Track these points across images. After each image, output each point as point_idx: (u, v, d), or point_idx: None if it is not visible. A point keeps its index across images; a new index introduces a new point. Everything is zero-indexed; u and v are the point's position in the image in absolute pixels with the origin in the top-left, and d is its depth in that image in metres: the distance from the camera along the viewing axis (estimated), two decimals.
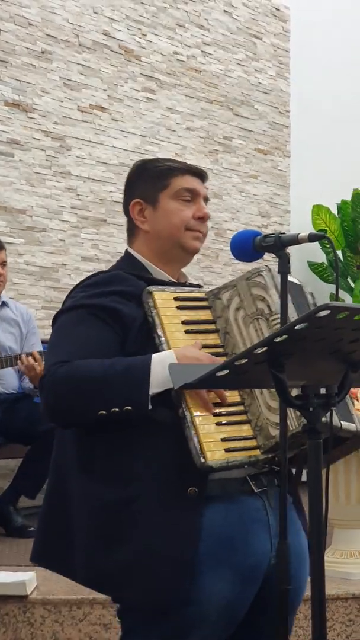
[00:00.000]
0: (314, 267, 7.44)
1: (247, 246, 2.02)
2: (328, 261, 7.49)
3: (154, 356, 1.95)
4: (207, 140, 7.01)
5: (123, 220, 6.97)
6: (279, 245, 1.98)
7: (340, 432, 2.01)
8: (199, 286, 2.26)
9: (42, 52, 5.91)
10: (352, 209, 7.46)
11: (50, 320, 6.11)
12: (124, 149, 6.40)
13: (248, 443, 1.96)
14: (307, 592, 1.73)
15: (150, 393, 1.92)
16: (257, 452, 1.95)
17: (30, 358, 4.47)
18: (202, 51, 7.01)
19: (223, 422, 1.94)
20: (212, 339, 2.05)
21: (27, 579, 3.31)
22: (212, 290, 2.13)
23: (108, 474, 1.98)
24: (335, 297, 2.00)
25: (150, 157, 2.49)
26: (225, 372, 1.55)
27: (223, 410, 1.96)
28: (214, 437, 1.91)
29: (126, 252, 2.26)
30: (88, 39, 6.19)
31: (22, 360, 4.48)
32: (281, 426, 1.84)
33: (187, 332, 2.04)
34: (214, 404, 1.95)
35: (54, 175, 5.95)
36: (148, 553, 1.90)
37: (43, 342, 4.98)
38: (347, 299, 7.47)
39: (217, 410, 1.95)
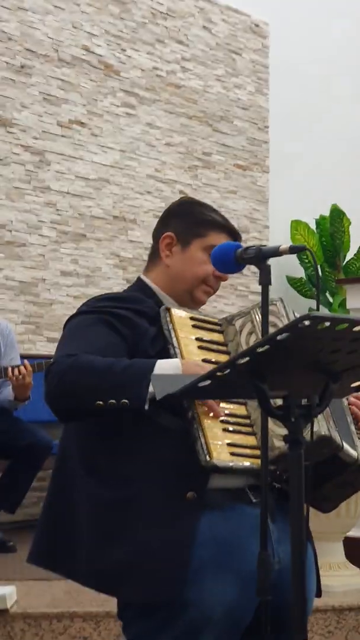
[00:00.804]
0: (293, 282, 7.47)
1: (228, 258, 2.04)
2: (307, 276, 7.52)
3: (159, 360, 2.00)
4: (187, 155, 7.04)
5: (102, 235, 6.95)
6: (260, 257, 1.99)
7: (340, 453, 2.03)
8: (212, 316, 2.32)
9: (22, 67, 5.92)
10: (330, 224, 7.50)
11: (29, 335, 6.07)
12: (104, 164, 6.41)
13: (253, 452, 1.99)
14: None
15: (151, 391, 1.94)
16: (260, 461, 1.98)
17: (22, 368, 4.48)
18: (181, 67, 7.04)
19: (230, 429, 1.99)
20: (223, 359, 2.09)
21: (6, 592, 3.30)
22: (225, 318, 2.20)
23: (110, 475, 2.02)
24: (317, 306, 2.01)
25: (192, 198, 2.61)
26: (208, 382, 1.56)
27: (231, 419, 2.00)
28: (221, 440, 1.95)
29: (140, 279, 2.33)
30: (68, 54, 6.21)
31: (8, 372, 4.48)
32: (262, 435, 1.84)
33: (200, 347, 2.10)
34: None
35: (34, 190, 5.95)
36: (145, 553, 1.93)
37: (22, 356, 4.97)
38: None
39: (224, 418, 1.99)
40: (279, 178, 7.69)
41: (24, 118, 5.90)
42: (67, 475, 2.12)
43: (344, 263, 7.59)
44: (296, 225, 7.51)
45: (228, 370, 1.54)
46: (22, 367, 4.50)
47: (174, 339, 2.07)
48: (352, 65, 8.14)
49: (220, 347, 2.13)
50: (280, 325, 2.03)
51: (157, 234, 2.34)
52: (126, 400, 1.94)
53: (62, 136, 6.14)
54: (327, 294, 7.56)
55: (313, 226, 7.59)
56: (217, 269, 2.11)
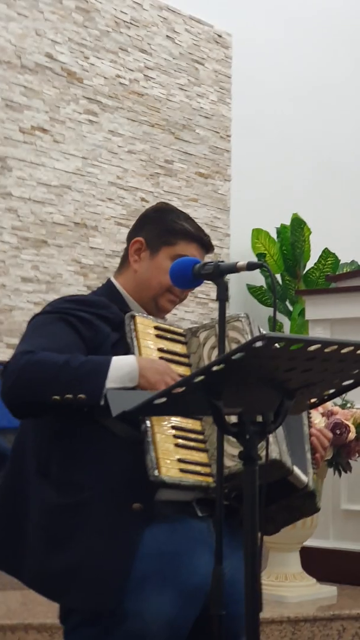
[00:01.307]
0: (252, 290, 7.50)
1: (186, 274, 2.06)
2: (267, 285, 7.57)
3: (115, 356, 2.02)
4: (149, 163, 7.05)
5: (64, 242, 6.94)
6: (218, 273, 2.01)
7: (290, 477, 2.05)
8: (177, 325, 2.31)
9: None
10: (291, 233, 7.55)
11: None
12: (65, 171, 6.40)
13: (203, 469, 2.01)
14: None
15: (107, 386, 1.96)
16: (210, 479, 2.00)
17: None
18: (144, 75, 7.05)
19: (182, 444, 2.00)
20: (183, 371, 2.10)
21: None
22: (190, 328, 2.20)
23: (61, 480, 2.04)
24: (272, 321, 2.03)
25: (164, 203, 2.57)
26: (164, 399, 1.57)
27: (184, 434, 2.02)
28: (171, 456, 1.97)
29: (109, 282, 2.33)
30: (31, 61, 6.20)
31: None
32: (219, 451, 1.86)
33: (161, 358, 2.10)
34: (176, 428, 2.01)
35: None
36: (88, 561, 1.96)
37: None
38: (285, 323, 7.55)
39: (178, 434, 2.00)
40: (240, 187, 7.73)
41: None
42: (20, 475, 2.13)
43: (304, 272, 7.64)
44: (257, 233, 7.55)
45: (184, 388, 1.55)
46: None
47: (136, 348, 2.07)
48: (313, 75, 8.22)
49: (182, 359, 2.14)
50: (243, 341, 2.05)
51: (129, 238, 2.34)
52: (82, 395, 1.96)
53: (24, 142, 6.13)
54: (287, 303, 7.60)
55: (274, 235, 7.64)
56: (175, 285, 2.12)
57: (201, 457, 2.03)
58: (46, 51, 6.31)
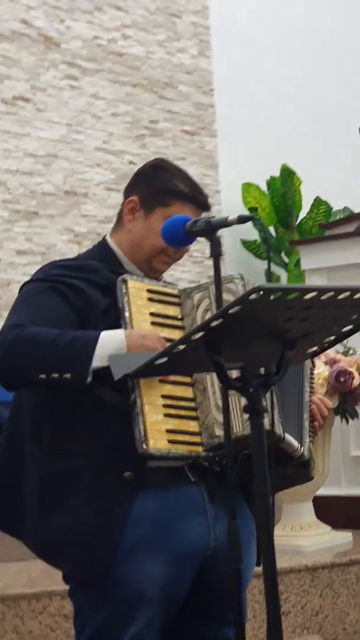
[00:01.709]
0: (247, 245, 7.47)
1: (178, 232, 2.04)
2: (261, 238, 7.54)
3: (104, 332, 2.00)
4: (133, 125, 7.00)
5: (55, 211, 6.88)
6: (209, 229, 1.99)
7: (283, 444, 2.04)
8: (173, 284, 2.30)
9: None
10: (282, 184, 7.51)
11: None
12: (51, 140, 6.35)
13: (192, 438, 2.00)
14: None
15: (93, 366, 1.96)
16: (199, 448, 2.00)
17: None
18: (122, 34, 6.97)
19: (172, 414, 1.98)
20: (176, 335, 2.07)
21: None
22: (185, 289, 2.17)
23: (52, 447, 2.06)
24: (267, 273, 2.02)
25: (160, 158, 2.50)
26: (165, 359, 1.57)
27: (174, 403, 2.00)
28: (160, 427, 1.95)
29: (104, 240, 2.29)
30: (6, 29, 6.13)
31: None
32: (224, 411, 1.85)
33: (153, 323, 2.08)
34: (165, 397, 1.99)
35: None
36: (78, 527, 1.98)
37: None
38: (282, 275, 7.53)
39: (167, 403, 1.99)
40: (227, 141, 7.66)
41: None
42: (17, 438, 2.14)
43: (297, 222, 7.61)
44: (247, 188, 7.50)
45: (184, 346, 1.55)
46: None
47: (126, 313, 2.05)
48: (296, 21, 8.11)
49: (175, 322, 2.12)
50: None
51: (125, 195, 2.29)
52: (68, 375, 1.96)
53: (7, 113, 6.08)
54: (283, 255, 7.58)
55: (264, 188, 7.59)
56: (167, 243, 2.10)
57: (191, 426, 2.02)
58: (21, 17, 6.23)
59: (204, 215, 2.22)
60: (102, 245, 2.29)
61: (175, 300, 2.15)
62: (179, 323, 2.12)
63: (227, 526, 1.82)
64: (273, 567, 1.67)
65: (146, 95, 7.12)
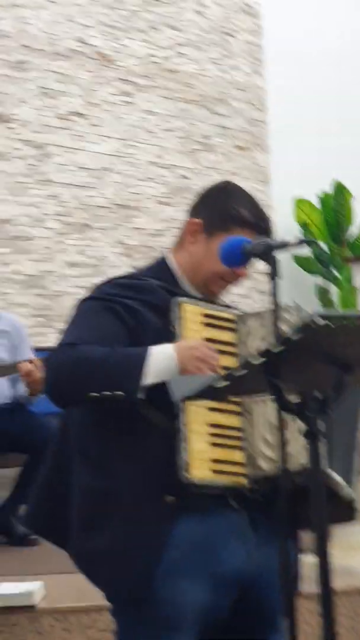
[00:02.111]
0: (298, 260, 7.48)
1: (236, 253, 2.06)
2: (313, 254, 7.54)
3: (153, 347, 2.01)
4: (186, 140, 7.04)
5: (107, 224, 6.90)
6: (268, 251, 2.01)
7: (327, 481, 2.02)
8: (232, 307, 2.28)
9: (18, 63, 5.92)
10: (334, 200, 7.51)
11: (40, 328, 6.11)
12: (104, 154, 6.42)
13: (236, 469, 2.00)
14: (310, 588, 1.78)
15: (145, 383, 1.98)
16: (243, 480, 2.00)
17: (29, 364, 4.50)
18: (176, 52, 7.03)
19: (217, 443, 1.98)
20: (230, 362, 2.06)
21: (34, 588, 3.33)
22: (242, 315, 2.15)
23: (98, 464, 2.07)
24: (321, 291, 2.03)
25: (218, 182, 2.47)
26: (225, 383, 1.60)
27: (220, 432, 2.00)
28: (204, 456, 1.95)
29: (163, 258, 2.29)
30: (63, 47, 6.21)
31: (21, 367, 4.51)
32: (280, 432, 1.87)
33: None
34: (212, 425, 1.99)
35: (36, 184, 5.97)
36: (118, 546, 1.99)
37: (36, 349, 5.00)
38: (332, 290, 7.52)
39: (214, 431, 1.98)
40: (279, 157, 7.69)
41: (23, 113, 5.91)
42: (65, 456, 2.16)
43: (350, 239, 7.59)
44: (299, 203, 7.53)
45: (245, 372, 1.57)
46: (28, 364, 4.50)
47: (179, 338, 2.05)
48: (347, 36, 8.12)
49: (228, 348, 2.09)
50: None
51: (188, 215, 2.30)
52: (120, 392, 1.98)
53: (62, 128, 6.16)
54: (334, 270, 7.57)
55: (316, 203, 7.60)
56: (225, 264, 2.10)
57: (236, 456, 2.01)
58: (77, 36, 6.32)
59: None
60: (161, 263, 2.29)
61: (232, 325, 2.13)
62: (232, 349, 2.10)
63: (268, 554, 1.84)
64: (328, 590, 1.68)
65: (199, 111, 7.16)
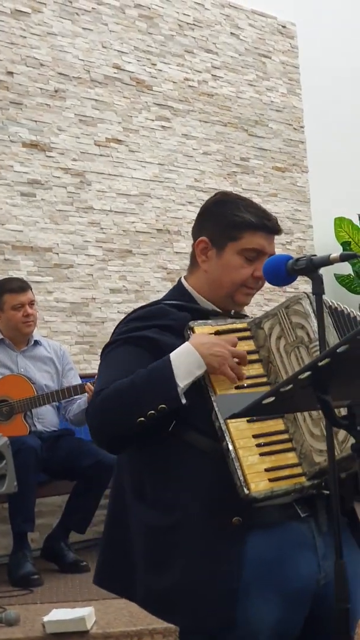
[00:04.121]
0: (341, 279, 7.43)
1: (280, 271, 2.05)
2: (354, 272, 7.49)
3: (172, 353, 2.01)
4: (225, 163, 7.06)
5: (148, 249, 6.96)
6: (311, 267, 2.00)
7: None
8: (245, 315, 2.27)
9: (56, 91, 5.98)
10: None
11: (84, 355, 6.13)
12: (144, 179, 6.45)
13: (293, 471, 1.99)
14: None
15: (181, 386, 1.98)
16: (303, 479, 1.99)
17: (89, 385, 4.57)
18: (212, 75, 7.06)
19: (267, 451, 1.98)
20: (255, 368, 2.08)
21: (86, 614, 3.33)
22: (254, 320, 2.15)
23: (155, 501, 2.05)
24: None
25: (227, 192, 2.46)
26: (272, 399, 1.58)
27: (267, 440, 1.99)
28: (258, 468, 1.95)
29: (180, 283, 2.30)
30: (99, 74, 6.27)
31: (88, 387, 4.56)
32: (329, 447, 1.85)
33: None
34: (257, 436, 1.98)
35: (77, 211, 6.01)
36: (191, 580, 1.95)
37: (81, 376, 5.03)
38: None
39: (260, 441, 1.98)
40: (318, 177, 7.68)
41: (61, 141, 5.96)
42: (122, 500, 2.15)
43: None
44: (340, 222, 7.48)
45: (291, 386, 1.55)
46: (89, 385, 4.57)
47: None
48: None
49: (251, 357, 2.09)
50: (307, 326, 2.02)
51: (193, 236, 2.30)
52: (163, 405, 1.97)
53: (101, 155, 6.20)
54: None
55: (357, 222, 7.56)
56: (271, 283, 2.10)
57: (289, 458, 2.00)
58: (113, 62, 6.37)
59: (287, 249, 2.22)
60: (178, 288, 2.29)
61: (246, 334, 2.13)
62: (255, 357, 2.10)
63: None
64: None
65: (237, 133, 7.18)
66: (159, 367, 2.01)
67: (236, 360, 2.02)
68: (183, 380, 1.99)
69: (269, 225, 2.23)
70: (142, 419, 1.98)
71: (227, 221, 2.22)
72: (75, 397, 4.73)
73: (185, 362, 1.99)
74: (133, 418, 1.99)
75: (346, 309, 2.12)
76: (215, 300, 2.24)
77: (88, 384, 4.59)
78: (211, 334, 2.09)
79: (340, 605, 1.81)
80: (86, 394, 4.59)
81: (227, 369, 1.99)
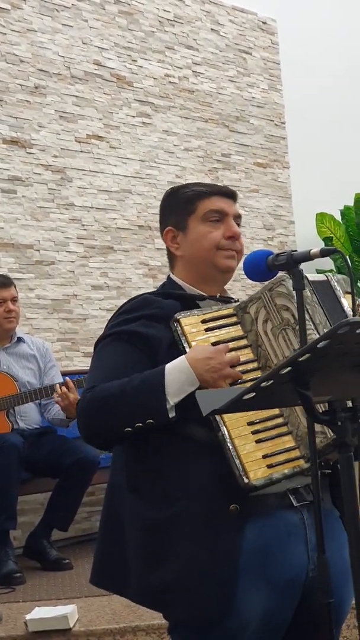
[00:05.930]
0: (322, 273, 7.45)
1: (260, 266, 2.05)
2: (336, 267, 7.50)
3: (167, 366, 2.01)
4: (206, 159, 7.05)
5: (130, 246, 6.98)
6: (292, 263, 2.00)
7: None
8: (231, 298, 2.27)
9: (36, 87, 5.96)
10: (356, 213, 7.48)
11: (66, 352, 6.11)
12: (125, 175, 6.44)
13: (291, 454, 1.98)
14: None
15: (171, 402, 1.97)
16: (301, 461, 1.98)
17: (64, 387, 4.53)
18: (193, 71, 7.06)
19: (263, 438, 1.97)
20: (245, 354, 2.07)
21: (68, 612, 3.32)
22: (239, 304, 2.14)
23: (151, 494, 2.04)
24: (352, 302, 2.01)
25: (161, 183, 2.52)
26: (252, 394, 1.57)
27: (262, 426, 1.99)
28: (255, 456, 1.94)
29: (168, 277, 2.32)
30: (80, 70, 6.25)
31: (57, 389, 4.54)
32: (310, 442, 1.85)
33: None
34: (252, 423, 1.98)
35: (58, 208, 6.00)
36: (191, 571, 1.95)
37: (62, 373, 5.01)
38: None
39: (255, 428, 1.98)
40: (299, 172, 7.68)
41: (42, 138, 5.94)
42: (116, 495, 2.15)
43: None
44: (321, 218, 7.49)
45: (271, 382, 1.55)
46: (63, 387, 4.54)
47: (188, 350, 2.05)
48: None
49: (240, 343, 2.08)
50: (292, 307, 2.01)
51: (162, 235, 2.33)
52: (151, 420, 1.98)
53: (81, 152, 6.18)
54: (358, 283, 7.53)
55: (338, 217, 7.57)
56: (251, 279, 2.09)
57: (286, 442, 2.00)
58: (94, 59, 6.35)
59: (274, 246, 2.22)
60: (167, 281, 2.31)
61: (233, 320, 2.12)
62: (243, 342, 2.09)
63: (330, 552, 1.80)
64: None
65: (218, 129, 7.18)
66: (151, 381, 2.00)
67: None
68: (174, 397, 1.98)
69: (221, 189, 2.28)
70: (129, 429, 1.99)
71: (180, 201, 2.27)
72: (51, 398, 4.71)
73: (178, 379, 1.99)
74: (120, 427, 2.00)
75: (326, 276, 2.12)
76: (202, 281, 2.24)
77: (67, 379, 4.57)
78: (202, 331, 2.08)
79: (323, 599, 1.82)
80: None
81: (221, 383, 1.99)
